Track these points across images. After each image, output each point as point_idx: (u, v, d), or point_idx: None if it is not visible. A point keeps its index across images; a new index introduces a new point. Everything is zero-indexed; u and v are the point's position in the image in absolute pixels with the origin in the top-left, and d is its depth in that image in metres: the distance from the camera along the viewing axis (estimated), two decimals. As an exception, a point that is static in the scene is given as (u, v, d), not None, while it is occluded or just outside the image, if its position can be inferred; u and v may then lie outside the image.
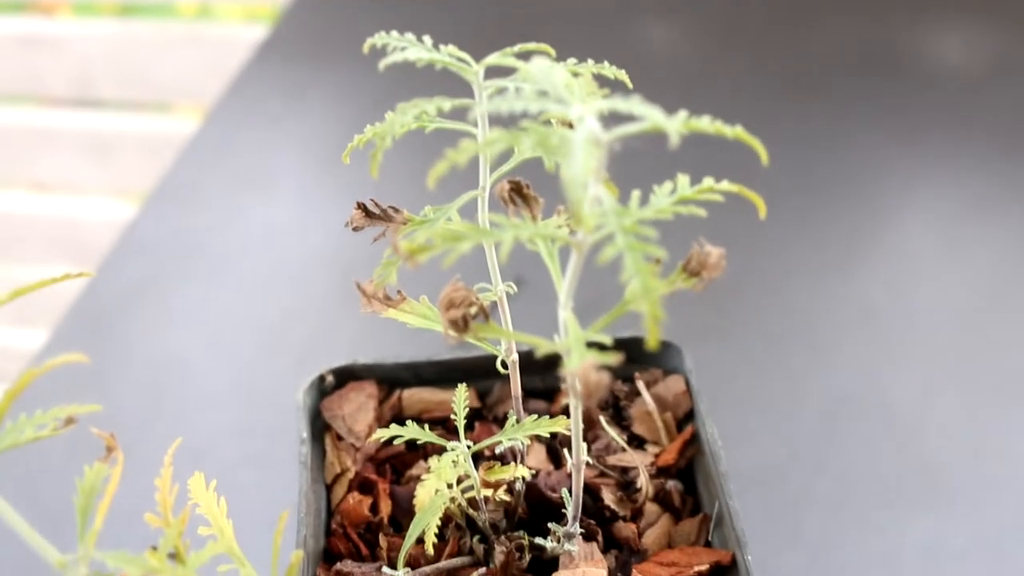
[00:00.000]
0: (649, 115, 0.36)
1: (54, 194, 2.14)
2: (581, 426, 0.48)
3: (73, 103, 2.05)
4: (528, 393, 0.64)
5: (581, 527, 0.56)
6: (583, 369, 0.36)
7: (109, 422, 0.88)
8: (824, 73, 1.34)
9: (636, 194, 0.41)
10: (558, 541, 0.55)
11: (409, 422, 0.55)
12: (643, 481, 0.59)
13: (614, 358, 0.37)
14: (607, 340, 0.40)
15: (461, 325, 0.42)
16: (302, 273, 1.08)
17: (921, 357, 0.93)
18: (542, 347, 0.40)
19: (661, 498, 0.59)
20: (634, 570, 0.55)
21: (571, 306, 0.42)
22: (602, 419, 0.62)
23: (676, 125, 0.36)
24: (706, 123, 0.38)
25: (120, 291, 1.06)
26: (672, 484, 0.60)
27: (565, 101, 0.37)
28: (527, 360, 0.57)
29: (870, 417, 0.87)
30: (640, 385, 0.64)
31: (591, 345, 0.38)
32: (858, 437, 0.86)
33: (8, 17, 2.11)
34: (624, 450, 0.61)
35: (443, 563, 0.56)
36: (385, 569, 0.54)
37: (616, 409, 0.64)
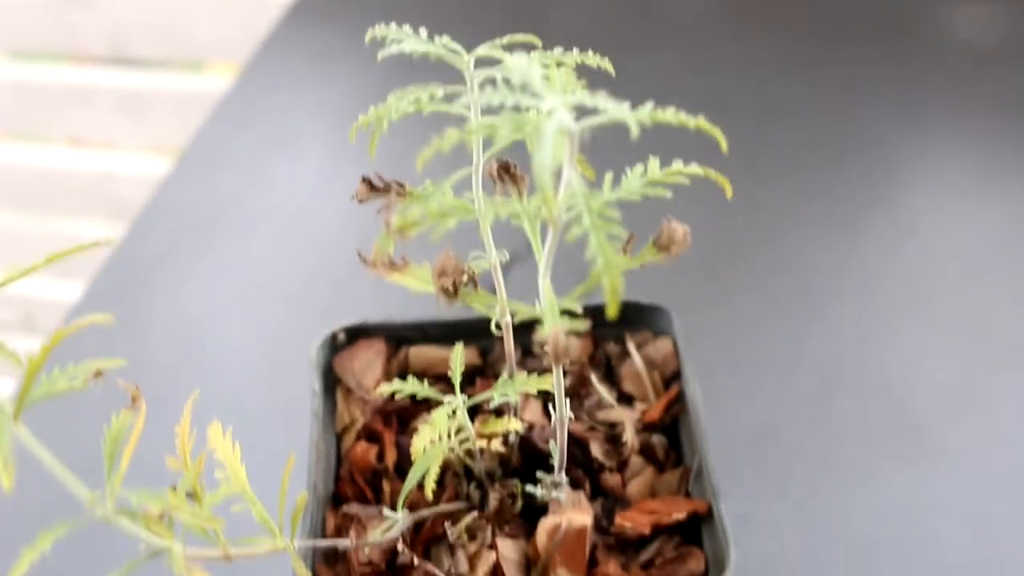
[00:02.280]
0: (612, 109, 0.40)
1: (90, 150, 2.19)
2: (563, 383, 0.52)
3: (108, 61, 2.09)
4: (526, 352, 0.68)
5: (569, 477, 0.61)
6: (554, 334, 0.41)
7: (138, 375, 0.93)
8: (836, 43, 1.37)
9: (609, 176, 0.45)
10: (547, 489, 0.59)
11: (411, 377, 0.59)
12: (629, 435, 0.63)
13: (582, 325, 0.41)
14: (578, 308, 0.44)
15: (451, 291, 0.47)
16: (325, 235, 1.12)
17: (915, 321, 0.96)
18: (521, 312, 0.45)
19: (646, 451, 0.64)
20: (617, 516, 0.60)
21: (549, 276, 0.46)
22: (594, 377, 0.67)
23: (639, 117, 0.40)
24: (670, 115, 0.42)
25: (151, 249, 1.11)
26: (657, 439, 0.64)
27: (539, 95, 0.41)
28: (528, 322, 0.61)
29: (862, 378, 0.91)
30: (631, 346, 0.68)
31: (565, 313, 0.43)
32: (850, 397, 0.89)
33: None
34: (613, 406, 0.66)
35: (441, 507, 0.60)
36: (386, 511, 0.58)
37: (608, 368, 0.69)
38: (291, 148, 1.25)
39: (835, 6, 1.44)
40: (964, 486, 0.82)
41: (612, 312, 0.40)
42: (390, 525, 0.57)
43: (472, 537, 0.59)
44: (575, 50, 0.51)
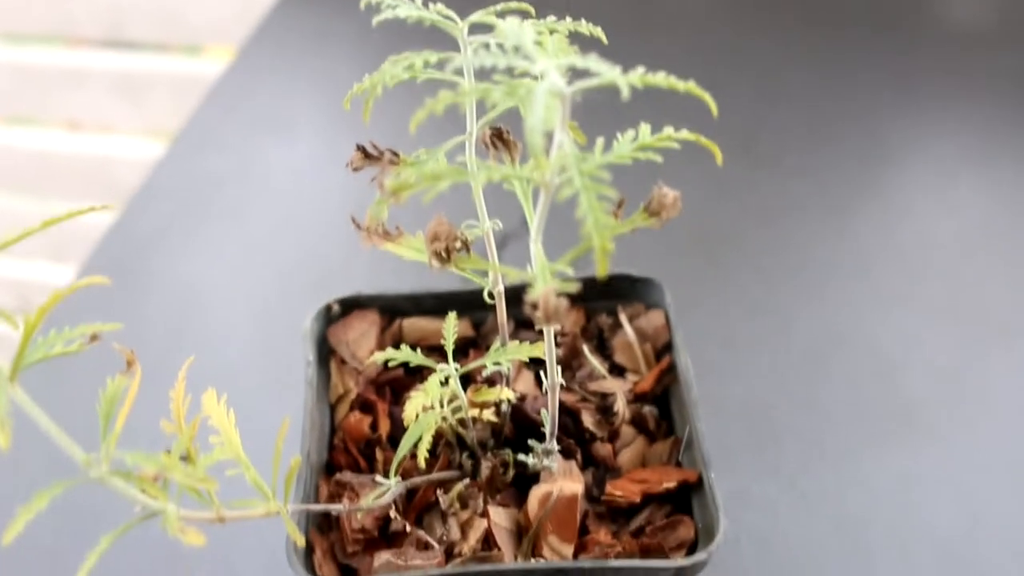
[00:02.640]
0: (604, 71, 0.40)
1: (86, 133, 2.19)
2: (554, 350, 0.53)
3: (104, 44, 2.09)
4: (520, 324, 0.69)
5: (561, 447, 0.61)
6: (544, 294, 0.41)
7: (134, 350, 0.94)
8: (832, 28, 1.37)
9: (600, 141, 0.45)
10: (539, 457, 0.60)
11: (404, 347, 0.60)
12: (620, 406, 0.64)
13: (573, 287, 0.42)
14: (569, 271, 0.44)
15: (444, 256, 0.47)
16: (320, 212, 1.13)
17: (908, 300, 0.97)
18: (513, 275, 0.45)
19: (637, 422, 0.64)
20: (608, 485, 0.60)
21: (540, 240, 0.46)
22: (586, 349, 0.67)
23: (630, 80, 0.41)
24: (660, 79, 0.42)
25: (146, 229, 1.11)
26: (648, 409, 0.65)
27: (531, 57, 0.42)
28: (519, 293, 0.61)
29: (856, 355, 0.92)
30: (623, 318, 0.69)
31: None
32: (843, 374, 0.90)
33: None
34: (605, 377, 0.66)
35: (434, 475, 0.61)
36: (378, 478, 0.59)
37: (600, 340, 0.70)
38: (285, 129, 1.26)
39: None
40: (954, 463, 0.82)
41: (601, 271, 0.40)
42: (383, 492, 0.58)
43: (464, 505, 0.59)
44: (568, 19, 0.52)
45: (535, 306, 0.41)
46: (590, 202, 0.40)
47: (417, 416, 0.56)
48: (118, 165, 2.06)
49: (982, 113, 1.21)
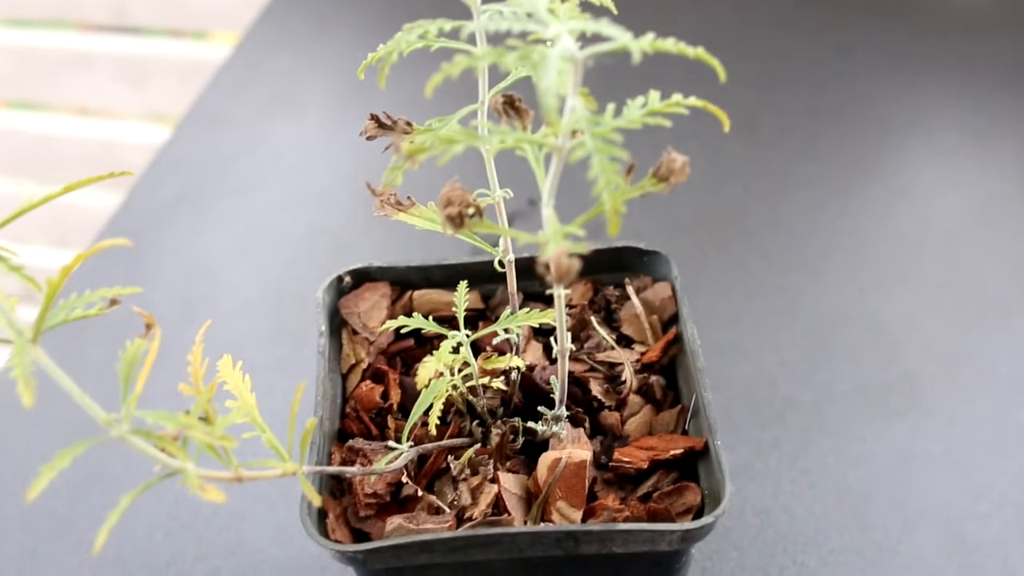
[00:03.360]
0: (616, 35, 0.41)
1: (92, 118, 2.20)
2: (565, 314, 0.54)
3: (110, 28, 2.10)
4: (528, 296, 0.70)
5: (570, 415, 0.62)
6: (557, 255, 0.42)
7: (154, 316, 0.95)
8: (834, 10, 1.38)
9: (611, 107, 0.46)
10: (548, 424, 0.61)
11: (416, 314, 0.61)
12: (628, 375, 0.65)
13: (584, 248, 0.43)
14: (581, 233, 0.45)
15: (457, 221, 0.48)
16: (328, 190, 1.14)
17: (909, 279, 0.98)
18: (524, 238, 0.46)
19: (644, 391, 0.65)
20: (616, 452, 0.61)
21: (552, 204, 0.47)
22: (594, 320, 0.68)
23: (641, 45, 0.42)
24: (670, 44, 0.44)
25: (155, 208, 1.12)
26: (655, 379, 0.66)
27: (544, 22, 0.43)
28: (528, 265, 0.62)
29: (857, 333, 0.93)
30: (630, 290, 0.70)
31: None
32: (844, 351, 0.91)
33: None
34: (613, 348, 0.67)
35: (444, 442, 0.62)
36: (391, 443, 0.60)
37: (608, 312, 0.71)
38: (292, 108, 1.27)
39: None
40: (954, 439, 0.84)
41: (613, 230, 0.41)
42: (396, 456, 0.59)
43: (475, 471, 0.60)
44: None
45: (547, 267, 0.42)
46: (602, 164, 0.41)
47: (428, 383, 0.58)
48: (123, 150, 2.06)
49: (982, 95, 1.22)
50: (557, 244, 0.43)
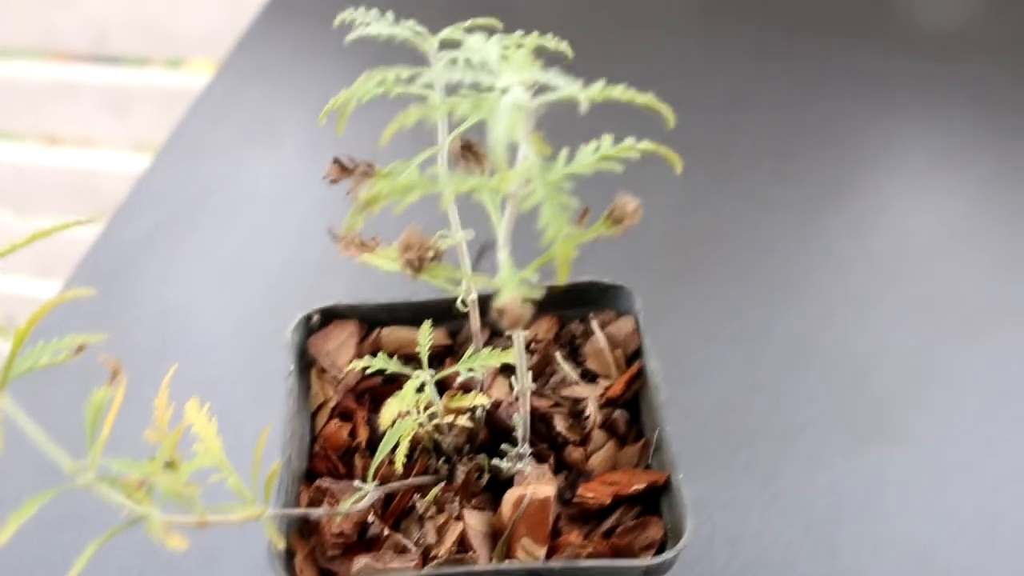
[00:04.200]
0: (563, 85, 0.42)
1: (72, 147, 2.20)
2: (524, 355, 0.54)
3: (90, 58, 2.11)
4: (494, 332, 0.70)
5: (534, 451, 0.63)
6: (510, 302, 0.43)
7: (120, 359, 0.95)
8: (806, 33, 1.40)
9: (564, 152, 0.47)
10: (512, 461, 0.62)
11: (382, 354, 0.62)
12: (592, 410, 0.65)
13: (538, 293, 0.43)
14: (535, 278, 0.46)
15: (416, 264, 0.49)
16: (304, 223, 1.14)
17: (881, 301, 0.99)
18: (482, 283, 0.47)
19: (608, 426, 0.66)
20: (580, 488, 0.62)
21: (508, 249, 0.48)
22: (558, 356, 0.69)
23: (589, 94, 0.43)
24: (619, 91, 0.44)
25: (132, 240, 1.12)
26: (619, 413, 0.66)
27: (496, 72, 0.44)
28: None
29: (828, 357, 0.94)
30: (594, 325, 0.70)
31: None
32: (816, 375, 0.92)
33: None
34: (577, 383, 0.68)
35: (411, 480, 0.63)
36: (357, 482, 0.61)
37: (572, 347, 0.71)
38: (270, 139, 1.27)
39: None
40: (925, 464, 0.84)
41: (562, 279, 0.42)
42: (361, 496, 0.59)
43: (440, 509, 0.61)
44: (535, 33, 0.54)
45: (501, 312, 0.43)
46: (552, 212, 0.42)
47: (393, 422, 0.58)
48: (103, 178, 2.07)
49: (953, 117, 1.23)
50: (511, 290, 0.43)
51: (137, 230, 1.14)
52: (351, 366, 0.62)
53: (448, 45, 0.52)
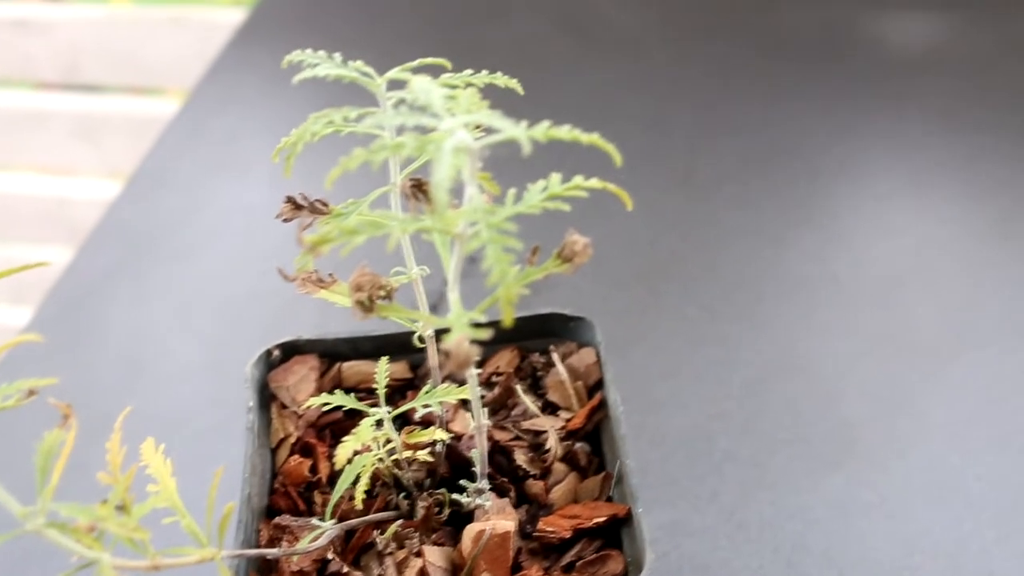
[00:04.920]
0: (505, 127, 0.42)
1: (46, 175, 2.20)
2: (479, 392, 0.54)
3: (62, 86, 2.11)
4: (456, 366, 0.70)
5: (495, 485, 0.63)
6: (457, 342, 0.43)
7: (85, 393, 0.95)
8: (766, 59, 1.41)
9: (512, 191, 0.47)
10: (472, 496, 0.62)
11: (338, 391, 0.62)
12: (552, 443, 0.65)
13: (484, 334, 0.43)
14: (483, 319, 0.46)
15: (367, 305, 0.49)
16: (271, 254, 1.14)
17: (843, 327, 0.99)
18: (433, 323, 0.47)
19: (569, 458, 0.66)
20: (540, 521, 0.62)
21: (457, 288, 0.48)
22: (519, 388, 0.69)
23: (533, 134, 0.43)
24: (564, 132, 0.44)
25: (100, 271, 1.12)
26: (580, 446, 0.66)
27: (439, 115, 0.44)
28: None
29: (794, 383, 0.94)
30: (555, 357, 0.70)
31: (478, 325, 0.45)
32: (781, 402, 0.92)
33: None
34: (538, 415, 0.68)
35: (370, 516, 0.62)
36: (315, 520, 0.60)
37: (534, 379, 0.71)
38: (237, 169, 1.27)
39: (764, 23, 1.48)
40: (891, 489, 0.84)
41: (507, 320, 0.42)
42: (318, 534, 0.59)
43: (400, 545, 0.61)
44: (499, 72, 0.54)
45: (447, 354, 0.43)
46: (496, 254, 0.42)
47: (351, 459, 0.58)
48: (79, 207, 2.07)
49: (914, 141, 1.24)
50: (460, 330, 0.43)
51: (106, 261, 1.14)
52: (308, 403, 0.62)
53: (397, 85, 0.52)
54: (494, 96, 0.49)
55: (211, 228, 1.18)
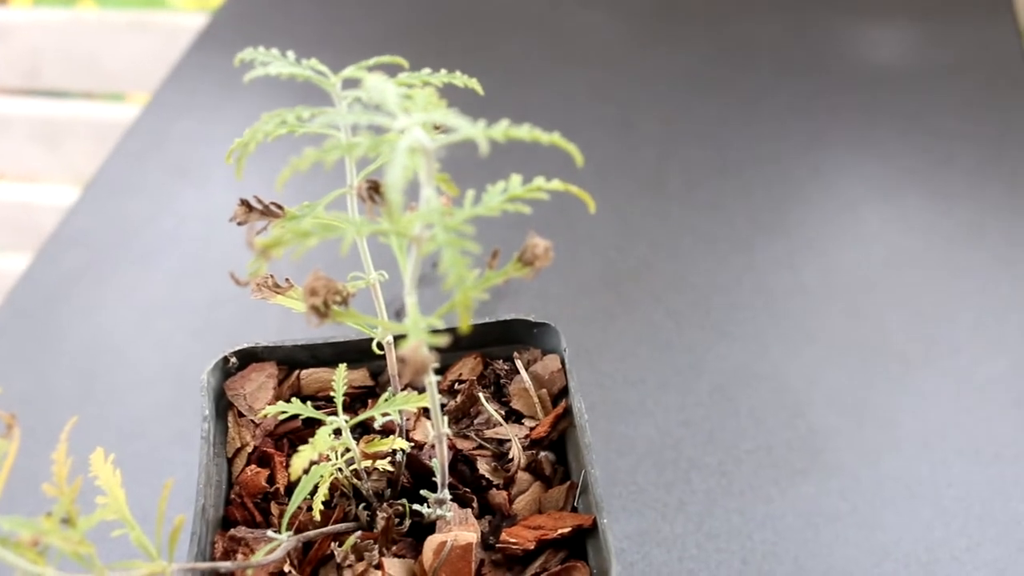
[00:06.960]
0: (462, 126, 0.41)
1: (7, 181, 2.17)
2: (438, 400, 0.53)
3: (22, 91, 2.08)
4: (417, 373, 0.69)
5: (458, 495, 0.61)
6: (412, 348, 0.41)
7: (42, 403, 0.93)
8: (738, 66, 1.40)
9: (471, 193, 0.46)
10: (433, 507, 0.60)
11: (296, 399, 0.60)
12: (516, 452, 0.64)
13: (441, 340, 0.42)
14: (441, 325, 0.44)
15: (322, 311, 0.47)
16: (232, 260, 1.12)
17: (812, 335, 0.98)
18: (391, 329, 0.46)
19: (533, 468, 0.64)
20: (504, 533, 0.60)
21: (415, 293, 0.47)
22: (482, 396, 0.67)
23: (491, 134, 0.41)
24: (524, 131, 0.43)
25: (58, 277, 1.10)
26: (544, 455, 0.65)
27: (393, 114, 0.42)
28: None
29: (762, 391, 0.93)
30: (519, 364, 0.69)
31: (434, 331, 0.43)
32: (749, 410, 0.91)
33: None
34: (501, 424, 0.66)
35: (329, 528, 0.61)
36: (271, 532, 0.59)
37: (497, 386, 0.70)
38: (198, 174, 1.25)
39: (737, 30, 1.47)
40: (859, 497, 0.84)
41: (464, 326, 0.40)
42: (273, 547, 0.57)
43: (359, 557, 0.59)
44: (443, 71, 0.52)
45: (403, 361, 0.41)
46: (452, 258, 0.40)
47: (307, 470, 0.56)
48: (40, 212, 2.04)
49: (884, 150, 1.23)
50: (416, 336, 0.42)
51: (64, 266, 1.11)
52: (264, 412, 0.60)
53: (354, 84, 0.50)
54: (459, 102, 0.48)
55: (171, 233, 1.16)
